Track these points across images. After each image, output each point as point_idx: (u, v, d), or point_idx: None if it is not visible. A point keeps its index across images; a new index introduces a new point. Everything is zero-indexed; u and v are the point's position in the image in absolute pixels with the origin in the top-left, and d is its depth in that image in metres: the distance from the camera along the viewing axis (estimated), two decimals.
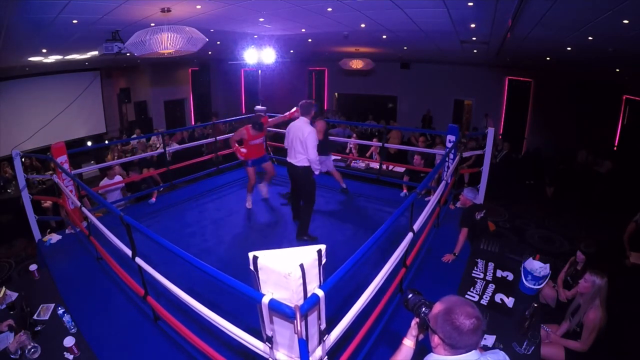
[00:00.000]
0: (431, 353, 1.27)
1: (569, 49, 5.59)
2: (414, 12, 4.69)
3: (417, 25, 5.42)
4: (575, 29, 4.35)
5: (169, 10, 4.48)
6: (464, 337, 1.15)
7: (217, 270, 1.78)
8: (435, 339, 1.22)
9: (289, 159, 3.87)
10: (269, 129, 6.32)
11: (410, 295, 1.48)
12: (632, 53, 4.98)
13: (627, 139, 8.16)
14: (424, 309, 1.40)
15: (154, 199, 4.93)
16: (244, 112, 13.66)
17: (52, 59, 7.17)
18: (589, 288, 2.57)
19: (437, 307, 1.24)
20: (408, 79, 11.79)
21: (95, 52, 6.84)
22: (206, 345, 2.10)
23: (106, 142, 10.31)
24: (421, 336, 1.45)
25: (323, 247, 1.58)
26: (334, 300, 2.63)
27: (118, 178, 4.96)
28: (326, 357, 1.66)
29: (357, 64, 9.22)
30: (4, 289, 2.80)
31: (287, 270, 1.45)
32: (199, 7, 4.55)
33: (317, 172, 3.83)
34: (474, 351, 1.19)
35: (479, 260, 3.11)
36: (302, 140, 3.65)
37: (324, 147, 4.71)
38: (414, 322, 1.44)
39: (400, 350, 1.46)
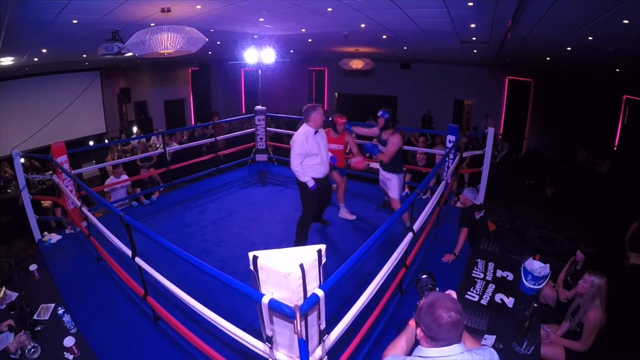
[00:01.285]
0: (418, 345, 1.30)
1: (569, 49, 5.59)
2: (414, 12, 4.69)
3: (417, 25, 5.41)
4: (575, 29, 4.35)
5: (169, 10, 4.48)
6: (442, 329, 1.19)
7: (217, 270, 1.79)
8: (419, 331, 1.26)
9: None
10: (268, 129, 6.33)
11: (423, 276, 1.50)
12: (632, 53, 4.97)
13: (627, 139, 8.16)
14: (426, 293, 1.42)
15: (154, 197, 5.04)
16: (244, 112, 13.66)
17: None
18: (588, 288, 2.57)
19: (423, 300, 1.28)
20: (408, 79, 11.78)
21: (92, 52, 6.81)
22: (206, 345, 2.10)
23: (106, 141, 10.31)
24: None
25: (323, 247, 1.58)
26: (334, 300, 2.63)
27: (124, 177, 4.98)
28: (326, 357, 1.66)
29: (357, 64, 9.21)
30: (4, 289, 2.80)
31: (287, 270, 1.45)
32: (199, 7, 4.55)
33: (310, 185, 3.42)
34: (457, 345, 1.21)
35: (479, 260, 3.10)
36: (291, 145, 3.44)
37: (388, 163, 3.79)
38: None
39: (406, 330, 1.50)
